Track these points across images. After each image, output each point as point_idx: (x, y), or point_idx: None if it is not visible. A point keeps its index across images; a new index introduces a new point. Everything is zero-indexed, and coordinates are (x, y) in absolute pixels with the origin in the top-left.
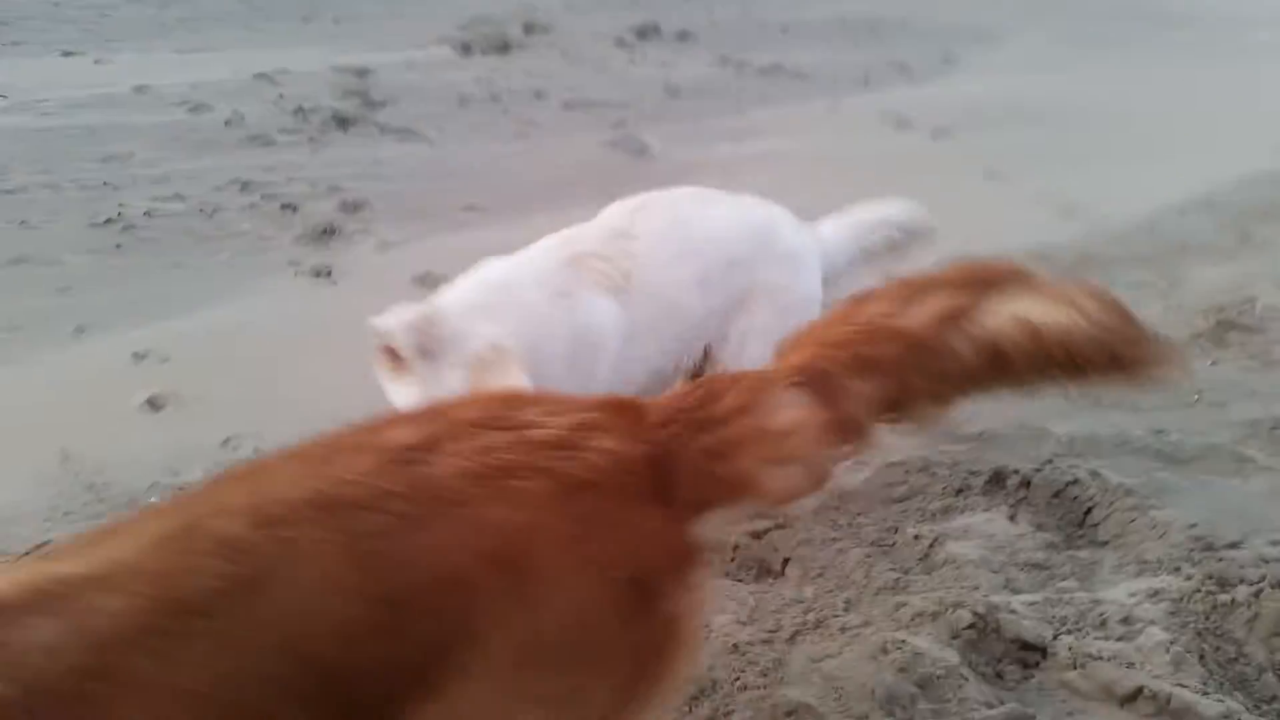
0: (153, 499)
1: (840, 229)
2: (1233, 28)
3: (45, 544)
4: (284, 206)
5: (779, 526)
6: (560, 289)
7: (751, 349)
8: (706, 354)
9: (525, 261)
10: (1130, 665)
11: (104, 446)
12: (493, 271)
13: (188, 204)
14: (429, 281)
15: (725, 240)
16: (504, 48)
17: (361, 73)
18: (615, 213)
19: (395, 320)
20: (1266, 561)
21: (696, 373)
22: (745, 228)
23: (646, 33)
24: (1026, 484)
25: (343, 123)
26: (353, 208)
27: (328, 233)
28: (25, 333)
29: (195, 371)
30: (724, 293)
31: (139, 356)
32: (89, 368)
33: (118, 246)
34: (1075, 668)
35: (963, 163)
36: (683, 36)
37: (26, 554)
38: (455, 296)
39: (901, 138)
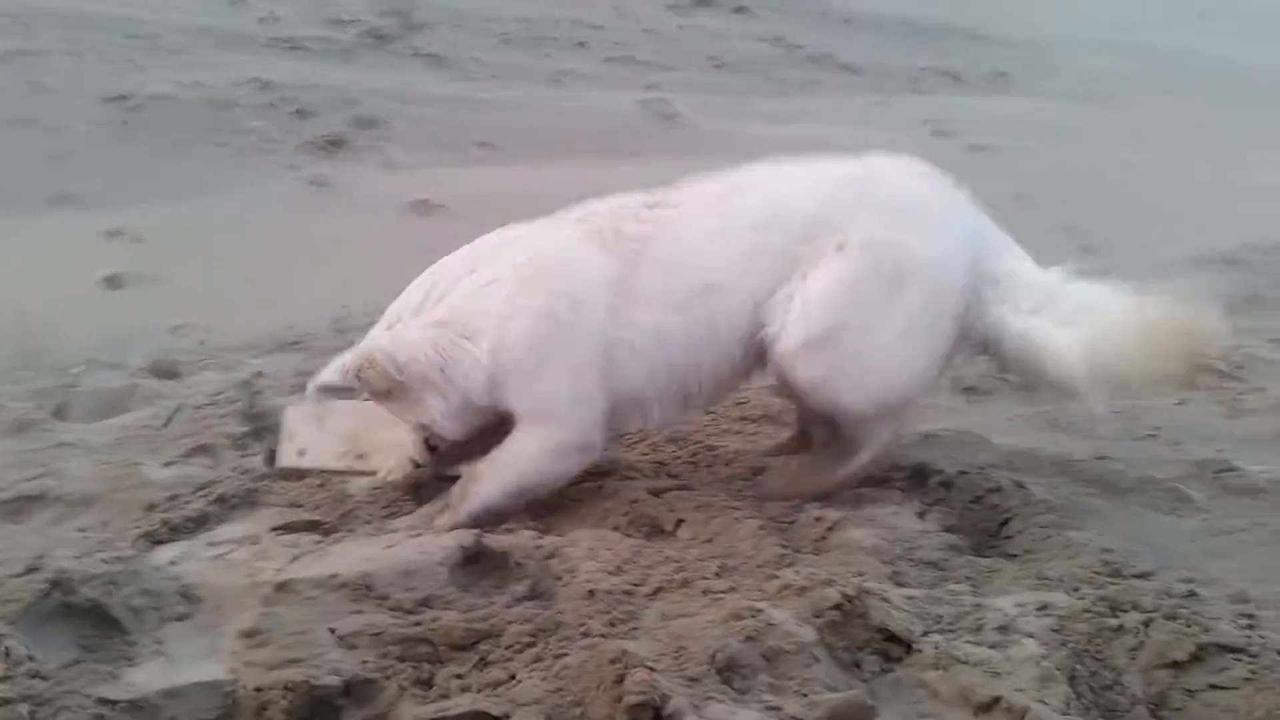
0: (79, 373)
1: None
2: None
3: None
4: (297, 112)
5: (682, 488)
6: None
7: (815, 310)
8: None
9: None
10: (995, 674)
11: (54, 315)
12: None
13: (202, 94)
14: (424, 209)
15: (800, 206)
16: None
17: None
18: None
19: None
20: (1170, 595)
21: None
22: (831, 184)
23: (703, 1)
24: (947, 485)
25: (378, 39)
26: (366, 124)
27: (335, 144)
28: (6, 191)
29: (164, 257)
30: (789, 263)
31: (112, 234)
32: (60, 236)
33: (124, 123)
34: (937, 668)
35: (993, 180)
36: (739, 10)
37: None
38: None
39: (938, 145)
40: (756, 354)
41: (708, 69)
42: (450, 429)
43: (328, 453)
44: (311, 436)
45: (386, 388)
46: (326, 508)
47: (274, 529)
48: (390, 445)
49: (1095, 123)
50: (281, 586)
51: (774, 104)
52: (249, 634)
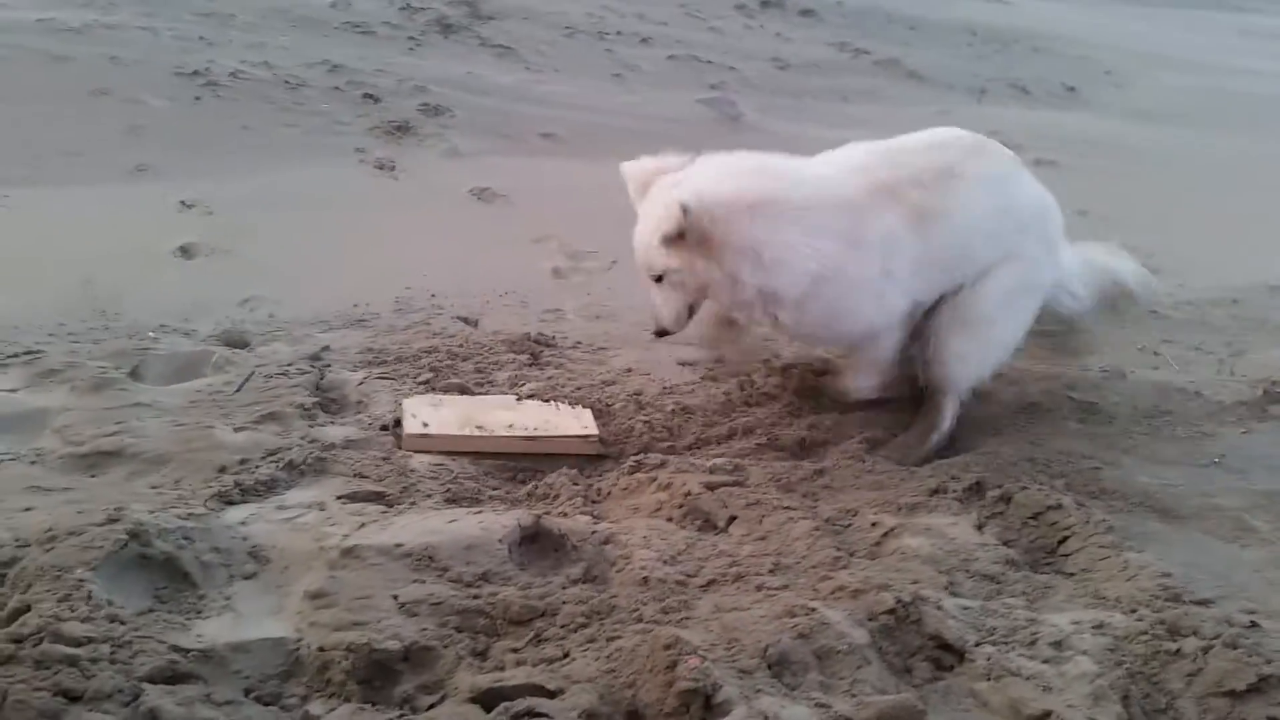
0: (154, 337)
1: (1076, 257)
2: None
3: (36, 353)
4: (366, 96)
5: (736, 484)
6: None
7: (992, 306)
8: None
9: (834, 175)
10: (1047, 689)
11: (127, 282)
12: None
13: (274, 73)
14: (486, 197)
15: (1026, 208)
16: None
17: None
18: (946, 144)
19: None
20: (1230, 624)
21: None
22: (1037, 202)
23: (770, 3)
24: (1006, 500)
25: (446, 28)
26: (433, 111)
27: (402, 129)
28: (87, 160)
29: (236, 230)
30: (999, 251)
31: (187, 205)
32: (136, 206)
33: (196, 99)
34: (989, 679)
35: (1057, 196)
36: (806, 13)
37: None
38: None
39: None
40: None
41: (772, 70)
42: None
43: (450, 425)
44: (431, 415)
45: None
46: (391, 480)
47: (340, 497)
48: (499, 422)
49: (1163, 144)
50: (348, 552)
51: (837, 108)
52: (315, 595)
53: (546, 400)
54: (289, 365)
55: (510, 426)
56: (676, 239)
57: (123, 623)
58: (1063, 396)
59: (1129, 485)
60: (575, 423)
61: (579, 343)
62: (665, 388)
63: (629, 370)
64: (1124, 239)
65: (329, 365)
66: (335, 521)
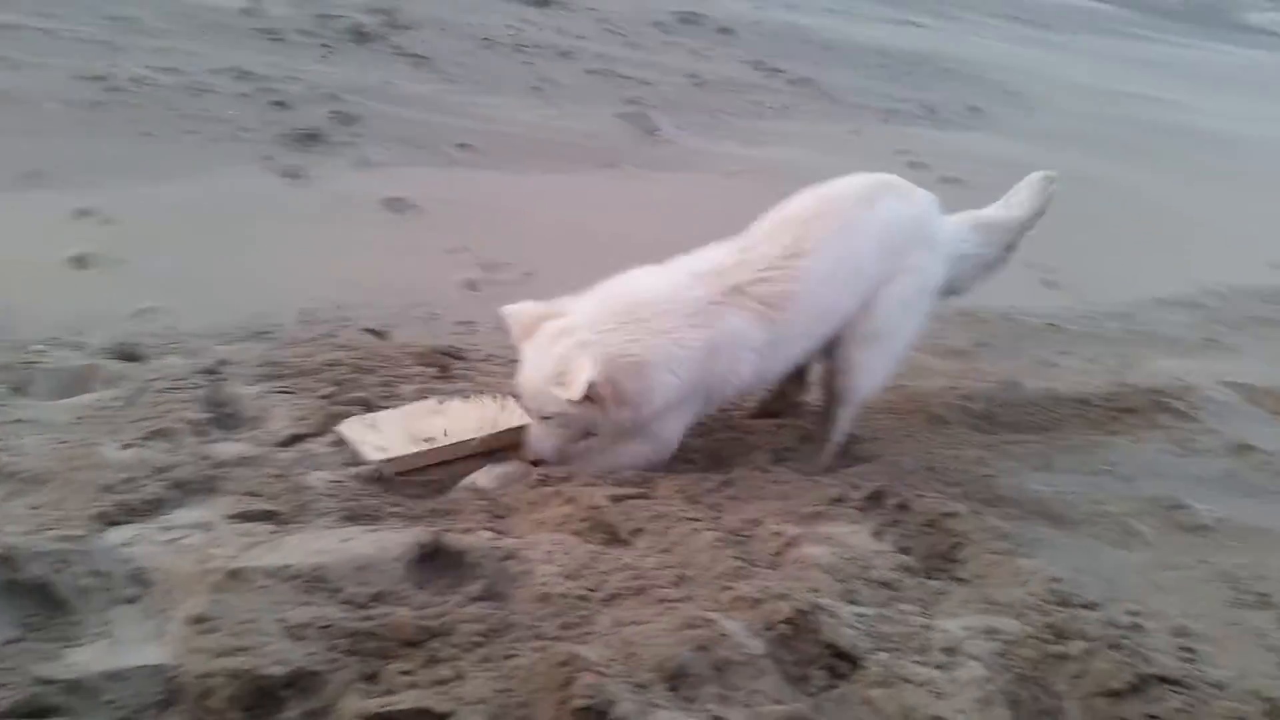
0: (41, 350)
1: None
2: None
3: None
4: (275, 103)
5: (642, 496)
6: (701, 318)
7: (889, 319)
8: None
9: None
10: (938, 695)
11: (15, 293)
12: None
13: (179, 79)
14: (398, 207)
15: (886, 235)
16: (544, 2)
17: None
18: (786, 224)
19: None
20: (1115, 626)
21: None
22: (905, 220)
23: (688, 20)
24: (903, 508)
25: (361, 37)
26: (345, 119)
27: (311, 138)
28: None
29: (133, 239)
30: (875, 281)
31: (82, 213)
32: (27, 214)
33: (97, 104)
34: (882, 685)
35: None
36: (723, 31)
37: None
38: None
39: (911, 176)
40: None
41: (688, 86)
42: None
43: (401, 445)
44: (375, 439)
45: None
46: (285, 498)
47: (229, 516)
48: (439, 429)
49: (1063, 165)
50: (233, 574)
51: (751, 125)
52: (196, 620)
53: (466, 398)
54: (182, 379)
55: (446, 433)
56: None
57: None
58: (961, 407)
59: (1023, 492)
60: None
61: (491, 355)
62: None
63: None
64: (1025, 256)
65: (224, 379)
66: (222, 542)
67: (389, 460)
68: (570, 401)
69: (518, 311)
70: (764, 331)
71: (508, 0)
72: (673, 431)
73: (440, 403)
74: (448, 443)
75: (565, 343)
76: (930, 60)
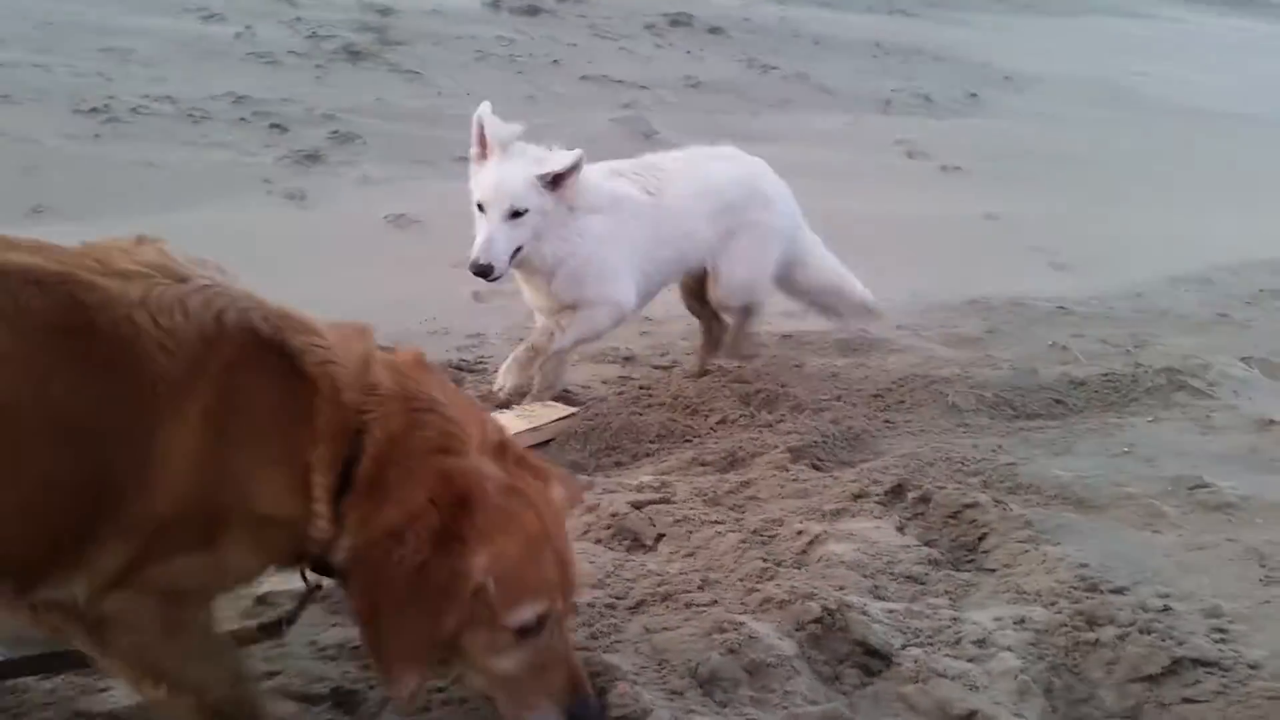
0: None
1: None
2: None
3: None
4: (273, 126)
5: (663, 501)
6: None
7: (738, 269)
8: (706, 272)
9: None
10: (973, 688)
11: None
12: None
13: (177, 107)
14: (401, 223)
15: (725, 188)
16: (534, 11)
17: (385, 11)
18: (648, 157)
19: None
20: (1146, 610)
21: (697, 284)
22: (740, 179)
23: (679, 22)
24: (926, 500)
25: (354, 55)
26: (344, 139)
27: (311, 159)
28: None
29: None
30: (722, 227)
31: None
32: None
33: (96, 136)
34: (916, 681)
35: (966, 201)
36: (714, 31)
37: None
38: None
39: (911, 166)
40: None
41: (683, 88)
42: None
43: None
44: None
45: None
46: None
47: None
48: None
49: (1062, 145)
50: (260, 599)
51: (748, 123)
52: None
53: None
54: None
55: None
56: (555, 182)
57: None
58: (976, 395)
59: (1044, 479)
60: (553, 410)
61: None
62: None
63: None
64: (1031, 240)
65: None
66: None
67: None
68: (544, 183)
69: (497, 123)
70: (649, 201)
71: (498, 11)
72: (621, 291)
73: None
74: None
75: (540, 150)
76: (923, 49)
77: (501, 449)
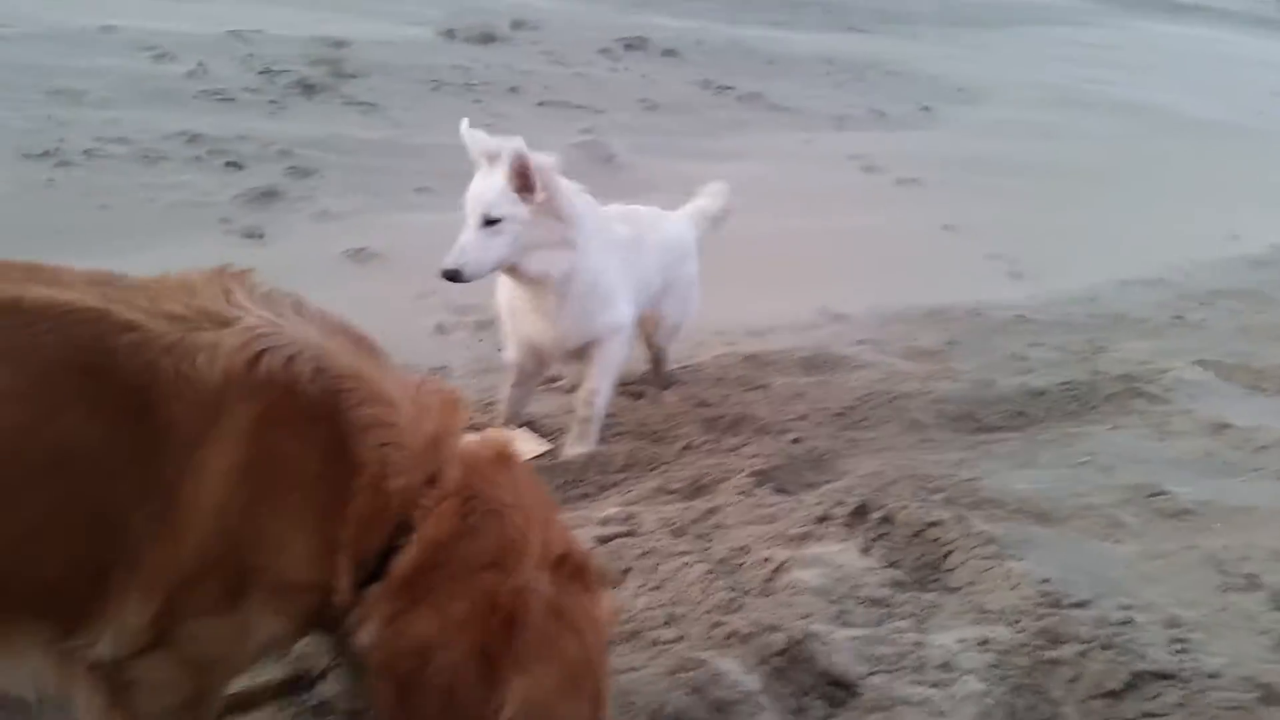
0: None
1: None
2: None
3: None
4: (229, 164)
5: (629, 534)
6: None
7: (672, 314)
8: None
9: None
10: (939, 715)
11: None
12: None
13: (131, 149)
14: (361, 258)
15: (670, 248)
16: (488, 39)
17: (338, 44)
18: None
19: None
20: (1108, 624)
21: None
22: (678, 240)
23: (633, 45)
24: (889, 520)
25: (308, 90)
26: (300, 174)
27: (268, 195)
28: None
29: None
30: (669, 277)
31: None
32: None
33: (49, 181)
34: (880, 710)
35: (922, 214)
36: (669, 54)
37: None
38: None
39: (867, 181)
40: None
41: (640, 111)
42: None
43: None
44: None
45: None
46: None
47: None
48: None
49: (1015, 155)
50: None
51: (706, 143)
52: None
53: None
54: None
55: None
56: (523, 185)
57: None
58: (937, 410)
59: (1006, 492)
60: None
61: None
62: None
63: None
64: (989, 249)
65: None
66: None
67: None
68: (514, 189)
69: (478, 136)
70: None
71: (452, 40)
72: (624, 313)
73: None
74: None
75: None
76: (876, 64)
77: (561, 561)
